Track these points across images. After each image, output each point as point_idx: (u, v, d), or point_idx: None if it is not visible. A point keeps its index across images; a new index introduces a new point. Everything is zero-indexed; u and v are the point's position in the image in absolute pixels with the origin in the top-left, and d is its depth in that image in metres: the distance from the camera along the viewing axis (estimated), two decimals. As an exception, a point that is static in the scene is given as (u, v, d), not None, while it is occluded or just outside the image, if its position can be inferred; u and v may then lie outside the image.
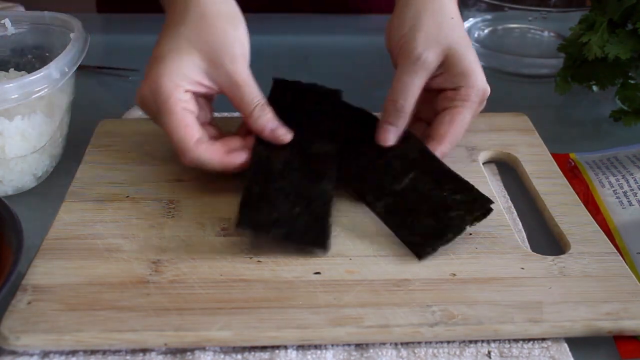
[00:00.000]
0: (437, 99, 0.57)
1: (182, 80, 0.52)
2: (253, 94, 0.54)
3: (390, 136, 0.56)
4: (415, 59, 0.55)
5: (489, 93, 0.57)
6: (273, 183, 0.52)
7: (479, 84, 0.56)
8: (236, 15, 0.55)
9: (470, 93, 0.56)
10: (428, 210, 0.51)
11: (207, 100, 0.56)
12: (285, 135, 0.54)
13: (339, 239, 0.51)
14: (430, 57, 0.55)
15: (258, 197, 0.50)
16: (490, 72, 0.82)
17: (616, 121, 0.69)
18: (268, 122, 0.54)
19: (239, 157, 0.53)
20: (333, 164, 0.54)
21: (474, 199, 0.51)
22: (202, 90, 0.54)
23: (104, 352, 0.43)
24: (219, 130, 0.57)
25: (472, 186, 0.52)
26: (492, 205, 0.53)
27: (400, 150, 0.56)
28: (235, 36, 0.54)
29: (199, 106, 0.54)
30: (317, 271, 0.47)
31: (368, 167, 0.55)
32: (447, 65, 0.56)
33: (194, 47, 0.53)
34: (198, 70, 0.53)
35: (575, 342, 0.44)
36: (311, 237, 0.49)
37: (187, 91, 0.53)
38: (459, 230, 0.49)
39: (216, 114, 0.59)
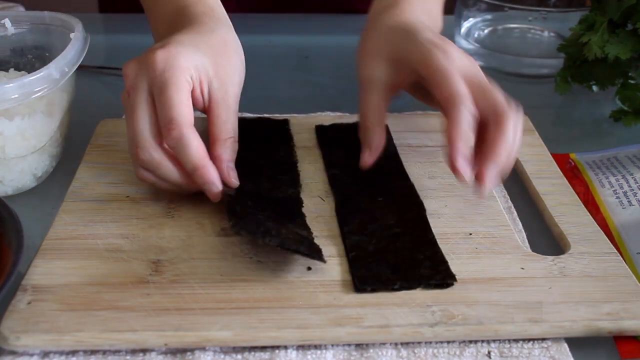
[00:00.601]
0: None
1: (195, 69, 0.51)
2: (235, 124, 0.53)
3: (367, 158, 0.55)
4: (360, 79, 0.55)
5: (470, 67, 0.52)
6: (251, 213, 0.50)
7: (441, 63, 0.51)
8: (239, 47, 0.56)
9: (431, 59, 0.51)
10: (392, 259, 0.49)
11: None
12: (235, 180, 0.52)
13: (338, 239, 0.51)
14: (370, 70, 0.55)
15: (242, 214, 0.49)
16: (490, 72, 0.82)
17: (616, 121, 0.69)
18: (231, 158, 0.52)
19: (214, 177, 0.50)
20: (299, 206, 0.54)
21: (440, 270, 0.47)
22: (197, 90, 0.52)
23: (104, 352, 0.43)
24: None
25: (445, 260, 0.48)
26: (492, 205, 0.53)
27: (389, 189, 0.55)
28: (238, 65, 0.55)
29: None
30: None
31: (355, 201, 0.54)
32: (401, 64, 0.54)
33: (207, 54, 0.53)
34: (206, 71, 0.52)
35: (575, 342, 0.44)
36: (307, 249, 0.48)
37: (192, 81, 0.51)
38: (409, 285, 0.46)
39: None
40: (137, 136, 0.50)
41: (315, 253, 0.47)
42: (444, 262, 0.48)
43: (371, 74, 0.55)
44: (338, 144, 0.61)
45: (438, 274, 0.47)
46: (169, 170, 0.51)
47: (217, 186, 0.50)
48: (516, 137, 0.50)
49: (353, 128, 0.60)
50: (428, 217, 0.53)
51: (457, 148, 0.49)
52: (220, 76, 0.53)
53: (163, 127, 0.49)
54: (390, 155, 0.60)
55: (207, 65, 0.52)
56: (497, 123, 0.50)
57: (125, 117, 0.52)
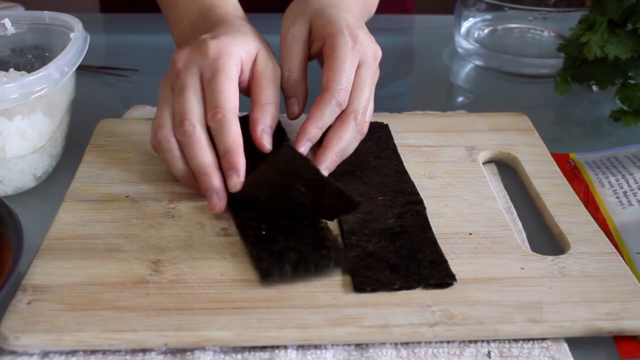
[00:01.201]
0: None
1: (245, 53, 0.54)
2: (276, 94, 0.56)
3: (296, 110, 0.58)
4: (282, 33, 0.59)
5: (368, 48, 0.56)
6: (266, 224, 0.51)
7: (342, 28, 0.55)
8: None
9: (336, 39, 0.55)
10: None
11: None
12: (268, 145, 0.53)
13: (339, 239, 0.51)
14: (295, 27, 0.58)
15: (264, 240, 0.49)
16: (490, 72, 0.82)
17: (616, 121, 0.69)
18: (268, 123, 0.54)
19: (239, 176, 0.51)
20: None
21: (439, 269, 0.47)
22: (245, 74, 0.55)
23: (104, 352, 0.43)
24: None
25: (445, 260, 0.48)
26: (492, 205, 0.53)
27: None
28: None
29: None
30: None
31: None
32: (314, 28, 0.57)
33: (254, 38, 0.56)
34: (253, 54, 0.55)
35: (575, 342, 0.44)
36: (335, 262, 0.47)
37: (241, 67, 0.54)
38: (408, 285, 0.46)
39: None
40: (186, 113, 0.52)
41: (344, 262, 0.47)
42: (444, 262, 0.48)
43: (295, 31, 0.58)
44: None
45: (438, 274, 0.47)
46: (224, 145, 0.51)
47: (238, 175, 0.51)
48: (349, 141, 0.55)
49: None
50: (428, 216, 0.53)
51: (309, 132, 0.53)
52: (264, 54, 0.56)
53: (210, 110, 0.52)
54: (391, 155, 0.60)
55: (254, 49, 0.56)
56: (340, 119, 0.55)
57: (162, 97, 0.54)
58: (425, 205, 0.54)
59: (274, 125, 0.55)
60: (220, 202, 0.51)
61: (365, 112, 0.55)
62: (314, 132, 0.54)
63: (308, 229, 0.50)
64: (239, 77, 0.54)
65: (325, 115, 0.54)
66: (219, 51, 0.53)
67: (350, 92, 0.54)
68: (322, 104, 0.53)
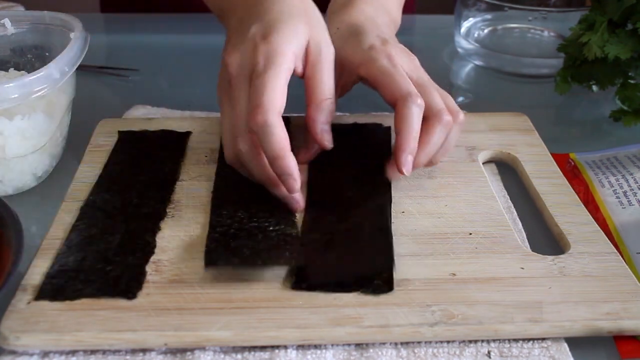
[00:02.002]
0: None
1: (296, 47, 0.52)
2: (331, 85, 0.54)
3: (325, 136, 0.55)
4: None
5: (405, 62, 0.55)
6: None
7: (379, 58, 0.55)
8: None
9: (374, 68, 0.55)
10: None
11: None
12: (328, 143, 0.54)
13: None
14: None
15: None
16: (490, 72, 0.82)
17: (616, 121, 0.69)
18: (325, 120, 0.53)
19: (294, 175, 0.49)
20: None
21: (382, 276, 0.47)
22: (298, 65, 0.53)
23: (104, 352, 0.43)
24: None
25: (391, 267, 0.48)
26: (492, 205, 0.53)
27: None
28: (326, 28, 0.56)
29: None
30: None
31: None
32: (344, 67, 0.57)
33: (304, 22, 0.53)
34: (305, 43, 0.53)
35: (575, 342, 0.44)
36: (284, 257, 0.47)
37: (295, 61, 0.52)
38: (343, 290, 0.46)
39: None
40: (238, 126, 0.51)
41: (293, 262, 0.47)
42: (389, 269, 0.47)
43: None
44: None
45: (380, 279, 0.46)
46: (270, 147, 0.49)
47: (294, 178, 0.49)
48: (442, 139, 0.54)
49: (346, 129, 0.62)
50: (428, 216, 0.53)
51: (408, 143, 0.52)
52: (315, 38, 0.53)
53: (250, 112, 0.49)
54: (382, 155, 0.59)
55: (306, 35, 0.53)
56: (427, 121, 0.53)
57: (222, 107, 0.54)
58: (426, 206, 0.54)
59: (331, 120, 0.54)
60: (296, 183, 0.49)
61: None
62: (413, 144, 0.52)
63: (276, 232, 0.49)
64: (295, 70, 0.52)
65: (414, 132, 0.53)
66: (267, 53, 0.50)
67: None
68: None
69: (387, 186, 0.56)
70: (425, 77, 0.57)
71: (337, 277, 0.46)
